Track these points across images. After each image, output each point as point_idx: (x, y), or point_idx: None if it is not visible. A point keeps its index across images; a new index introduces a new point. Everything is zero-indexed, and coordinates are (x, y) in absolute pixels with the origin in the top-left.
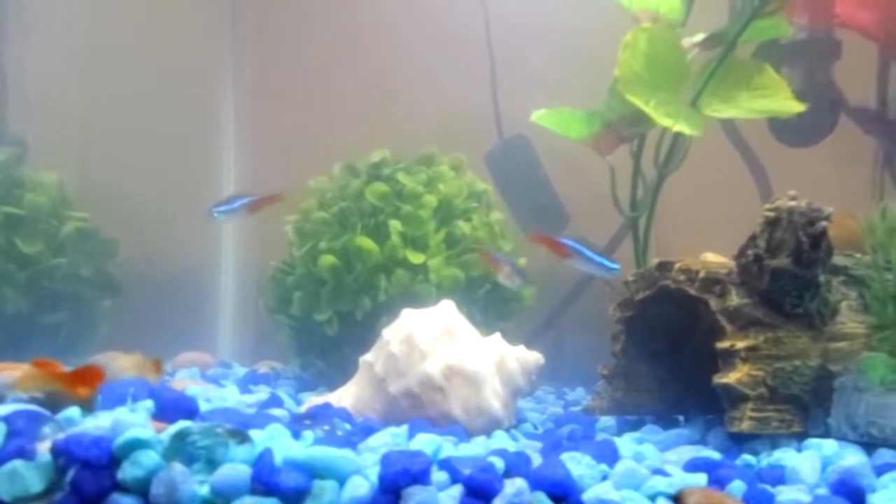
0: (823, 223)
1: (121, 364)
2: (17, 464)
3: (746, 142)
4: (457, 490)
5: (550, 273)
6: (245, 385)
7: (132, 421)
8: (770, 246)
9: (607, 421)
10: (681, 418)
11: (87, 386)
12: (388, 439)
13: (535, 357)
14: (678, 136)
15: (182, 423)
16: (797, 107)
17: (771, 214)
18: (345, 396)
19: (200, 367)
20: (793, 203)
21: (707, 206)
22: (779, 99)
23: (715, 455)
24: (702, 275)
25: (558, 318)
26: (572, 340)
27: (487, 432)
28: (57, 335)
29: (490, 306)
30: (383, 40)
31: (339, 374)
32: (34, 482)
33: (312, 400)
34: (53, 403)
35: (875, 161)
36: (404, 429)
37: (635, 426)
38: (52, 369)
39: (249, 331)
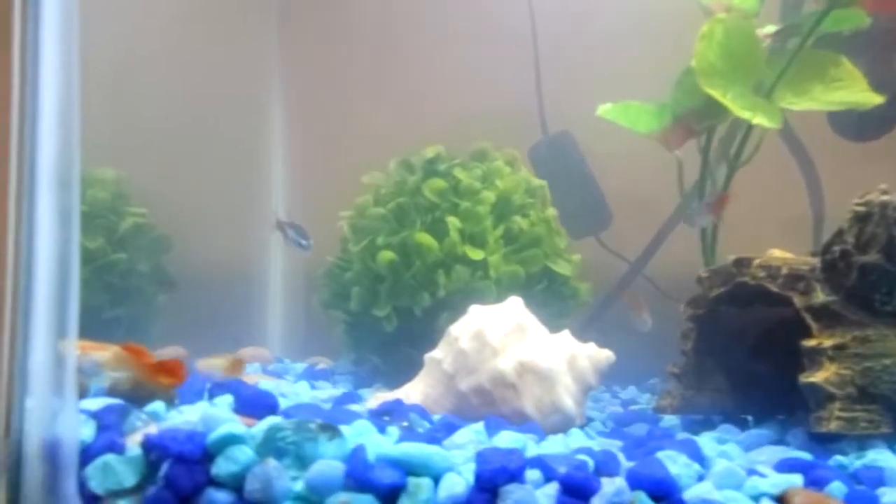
0: None
1: (211, 363)
2: (110, 458)
3: (797, 137)
4: (552, 488)
5: (595, 269)
6: (307, 381)
7: (224, 416)
8: (859, 241)
9: (671, 420)
10: (749, 418)
11: (169, 377)
12: (473, 436)
13: (606, 355)
14: (750, 129)
15: (273, 419)
16: (875, 99)
17: (861, 209)
18: (412, 393)
19: (261, 363)
20: (886, 197)
21: (754, 202)
22: (856, 91)
23: (805, 455)
24: (784, 271)
25: (601, 316)
26: (616, 338)
27: (561, 430)
28: (117, 330)
29: (547, 303)
30: (429, 38)
31: (394, 370)
32: (127, 476)
33: (378, 396)
34: (137, 397)
35: None
36: (481, 426)
37: (702, 426)
38: (140, 356)
39: (298, 326)
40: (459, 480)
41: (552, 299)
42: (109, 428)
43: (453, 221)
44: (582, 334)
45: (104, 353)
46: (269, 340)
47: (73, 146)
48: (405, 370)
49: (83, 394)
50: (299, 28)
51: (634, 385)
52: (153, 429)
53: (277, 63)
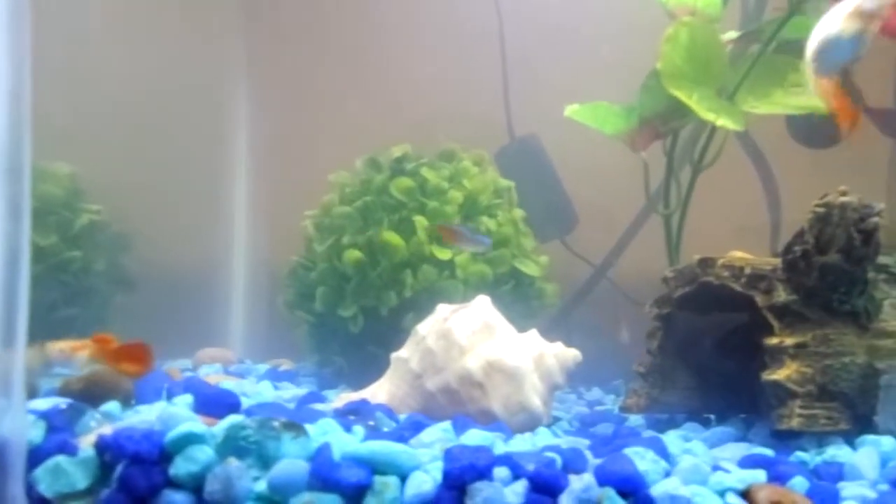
0: (875, 219)
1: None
2: (61, 459)
3: (755, 143)
4: (521, 486)
5: (561, 272)
6: (270, 381)
7: (183, 415)
8: (819, 242)
9: (636, 420)
10: (712, 417)
11: (135, 364)
12: (441, 435)
13: (572, 354)
14: (714, 132)
15: (235, 417)
16: None
17: (821, 210)
18: (378, 393)
19: (222, 364)
20: (845, 199)
21: (713, 207)
22: (814, 96)
23: (768, 452)
24: (747, 271)
25: (567, 318)
26: (580, 340)
27: (528, 429)
28: (70, 330)
29: (514, 304)
30: (397, 40)
31: (359, 370)
32: (79, 478)
33: (343, 396)
34: (92, 396)
35: (889, 165)
36: (448, 425)
37: (668, 424)
38: (104, 343)
39: (261, 327)
40: (427, 479)
41: (519, 300)
42: (61, 428)
43: (420, 221)
44: (548, 335)
45: (68, 345)
46: (231, 341)
47: (23, 131)
48: (370, 371)
49: (33, 393)
50: (266, 25)
51: (599, 386)
52: (107, 429)
53: (243, 60)
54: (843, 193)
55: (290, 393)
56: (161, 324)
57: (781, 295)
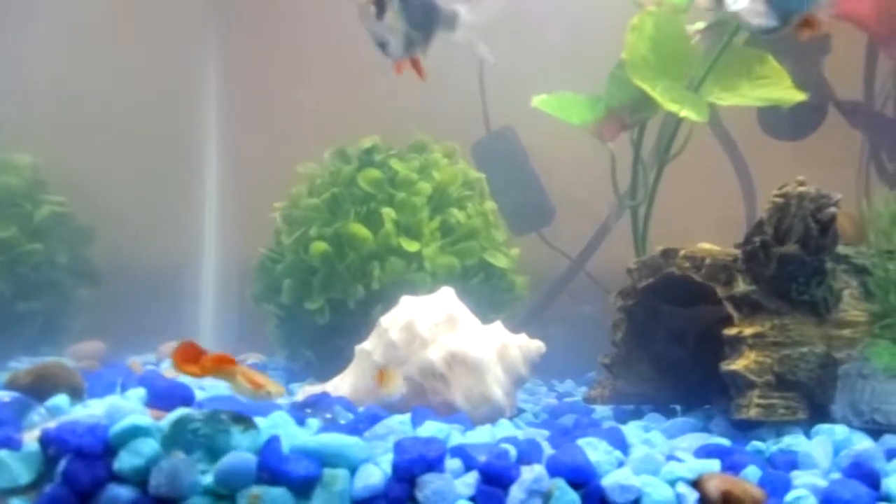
0: (832, 209)
1: None
2: (3, 454)
3: (732, 139)
4: (472, 477)
5: (537, 265)
6: None
7: (129, 408)
8: (778, 232)
9: (604, 411)
10: (678, 408)
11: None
12: (396, 427)
13: (536, 345)
14: (679, 123)
15: (182, 410)
16: (798, 96)
17: (780, 200)
18: (341, 385)
19: None
20: (802, 189)
21: (688, 201)
22: (780, 88)
23: (725, 442)
24: (708, 262)
25: (543, 311)
26: (556, 333)
27: (489, 421)
28: (33, 323)
29: (483, 296)
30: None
31: (328, 364)
32: (22, 473)
33: (306, 389)
34: (39, 390)
35: (860, 159)
36: (406, 417)
37: (633, 415)
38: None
39: (231, 321)
40: (376, 471)
41: (489, 292)
42: (4, 422)
43: (388, 212)
44: (523, 329)
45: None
46: (201, 335)
47: None
48: (339, 363)
49: None
50: (237, 17)
51: (572, 379)
52: (52, 423)
53: (213, 52)
54: (801, 184)
55: None
56: (127, 318)
57: (741, 285)
